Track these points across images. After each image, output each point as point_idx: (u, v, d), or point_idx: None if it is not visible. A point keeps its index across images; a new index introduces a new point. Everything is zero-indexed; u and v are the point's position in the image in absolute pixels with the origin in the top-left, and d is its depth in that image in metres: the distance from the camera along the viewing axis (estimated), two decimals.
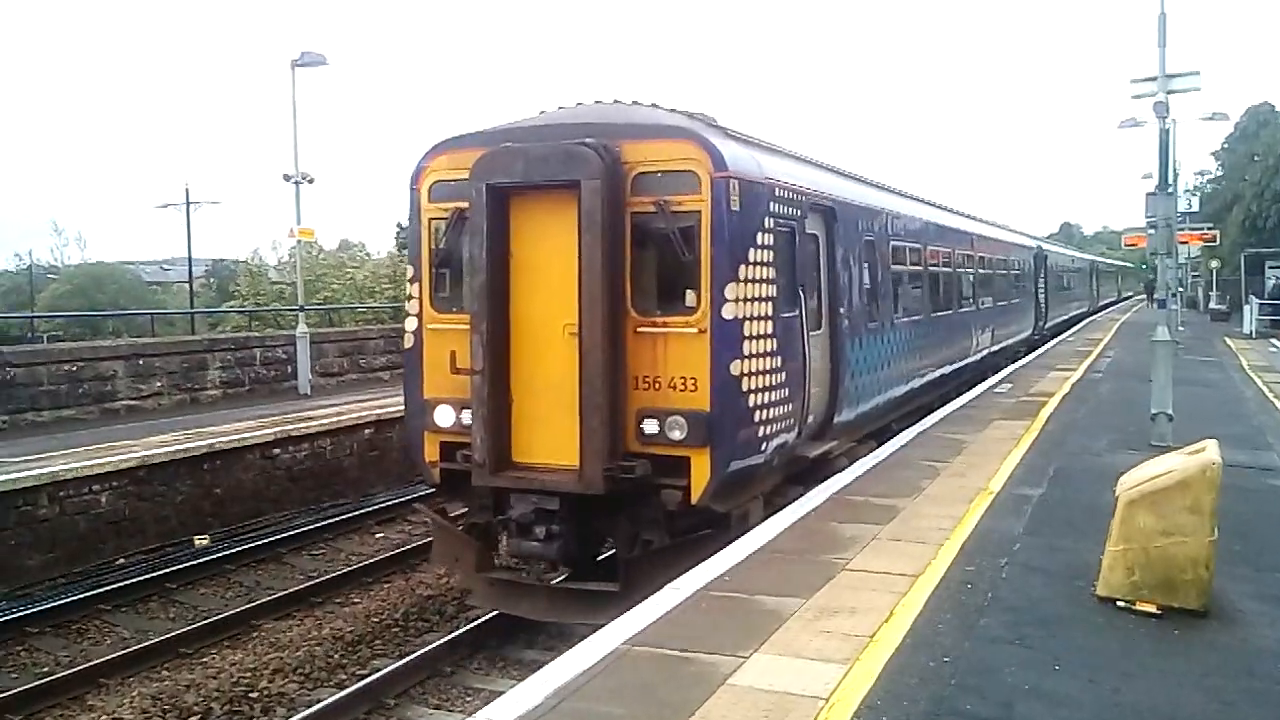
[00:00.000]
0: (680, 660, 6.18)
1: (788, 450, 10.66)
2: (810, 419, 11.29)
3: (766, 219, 10.08)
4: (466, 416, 9.78)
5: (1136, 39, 52.46)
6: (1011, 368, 25.16)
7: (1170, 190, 17.24)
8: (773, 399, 10.01)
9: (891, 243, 15.27)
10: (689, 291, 9.48)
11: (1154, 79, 15.25)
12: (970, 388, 20.48)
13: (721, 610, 7.11)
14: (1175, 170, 31.48)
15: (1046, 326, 35.81)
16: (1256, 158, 58.74)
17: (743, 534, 9.18)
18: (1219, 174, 71.59)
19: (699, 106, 10.69)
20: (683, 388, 9.33)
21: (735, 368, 9.32)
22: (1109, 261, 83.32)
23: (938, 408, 17.46)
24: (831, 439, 12.09)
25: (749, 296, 9.56)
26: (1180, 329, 30.47)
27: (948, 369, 19.31)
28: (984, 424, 15.60)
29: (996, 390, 20.36)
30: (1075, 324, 45.32)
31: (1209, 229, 49.43)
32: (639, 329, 9.44)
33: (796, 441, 10.87)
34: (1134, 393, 17.95)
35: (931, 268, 18.15)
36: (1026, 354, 29.33)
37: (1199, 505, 7.00)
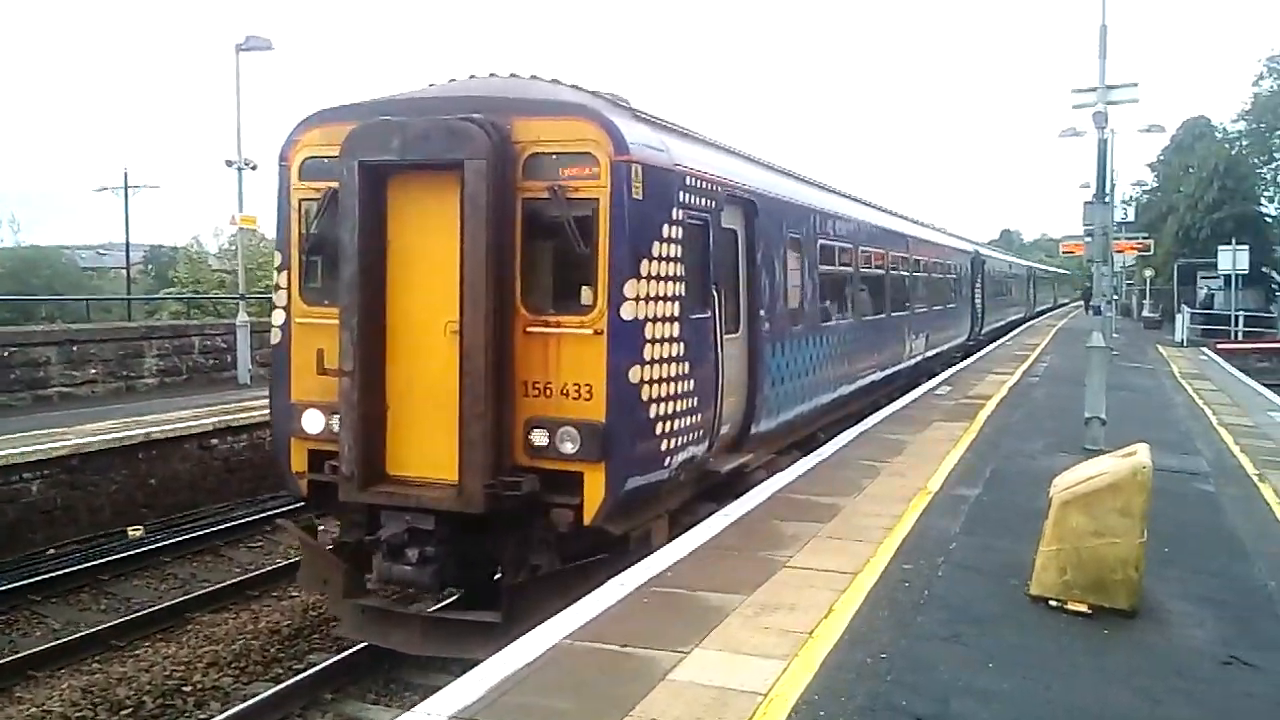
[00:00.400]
0: (621, 655, 6.20)
1: (696, 464, 9.91)
2: (724, 429, 10.58)
3: (675, 210, 9.28)
4: (337, 423, 8.79)
5: (1078, 49, 53.68)
6: (950, 371, 25.53)
7: (1107, 200, 17.57)
8: (679, 409, 9.20)
9: (820, 242, 14.55)
10: (585, 288, 8.62)
11: (1094, 89, 15.59)
12: (904, 394, 20.24)
13: (663, 606, 7.14)
14: (1113, 180, 32.09)
15: (983, 332, 35.78)
16: (1191, 170, 60.20)
17: (644, 557, 8.43)
18: (1155, 185, 73.20)
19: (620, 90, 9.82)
20: (576, 395, 8.46)
21: (635, 374, 8.52)
22: (1046, 268, 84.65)
23: (869, 414, 17.14)
24: (748, 451, 11.45)
25: (653, 295, 8.75)
26: (1115, 336, 31.09)
27: (879, 375, 18.73)
28: (924, 425, 15.82)
29: (936, 392, 20.63)
30: (1012, 329, 45.85)
31: (1144, 238, 50.70)
32: (529, 329, 8.57)
33: (707, 455, 10.14)
34: (1068, 397, 18.28)
35: (864, 270, 17.59)
36: (962, 359, 29.43)
37: (1130, 507, 7.16)
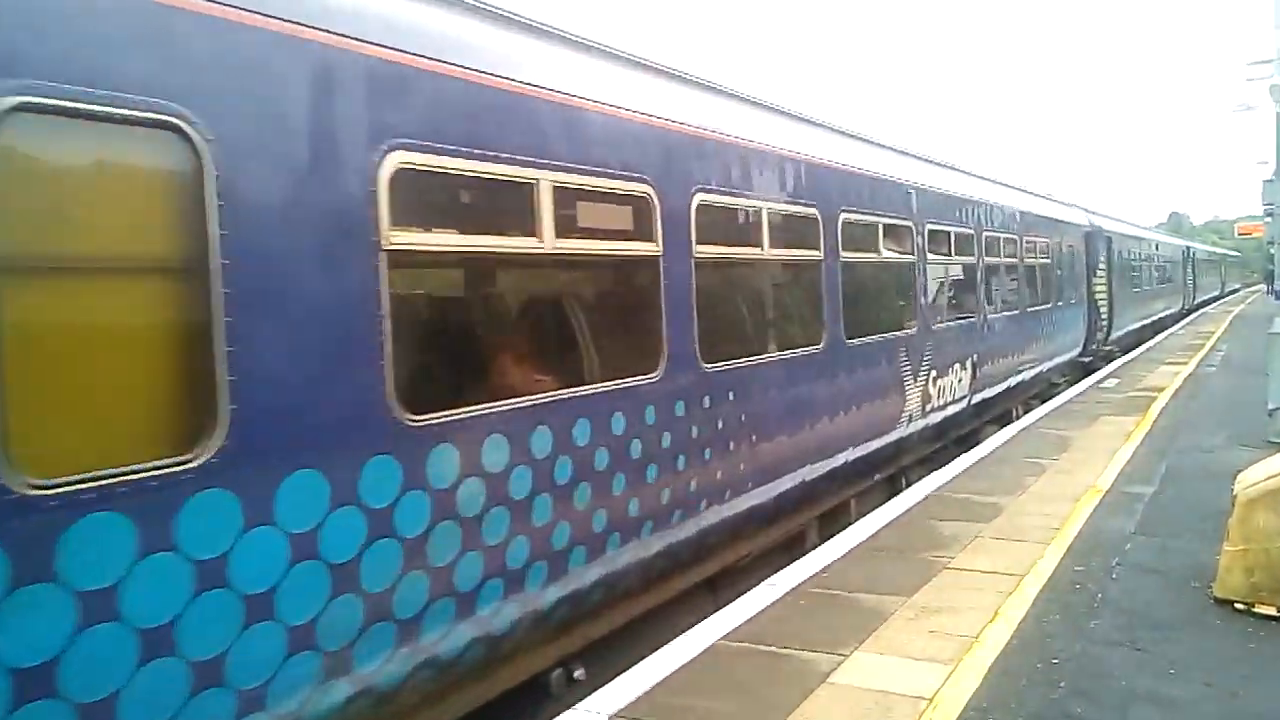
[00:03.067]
0: (779, 657, 6.12)
1: None
2: None
3: None
4: None
5: (1251, 21, 50.64)
6: (1118, 362, 24.36)
7: None
8: None
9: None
10: None
11: (1270, 61, 14.64)
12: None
13: (819, 607, 7.03)
14: None
15: (1111, 338, 26.87)
16: None
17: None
18: None
19: None
20: None
21: None
22: (1211, 249, 77.21)
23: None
24: None
25: None
26: None
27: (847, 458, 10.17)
28: (1091, 419, 15.17)
29: (1103, 385, 19.78)
30: (1161, 330, 36.44)
31: None
32: None
33: None
34: (1248, 388, 17.24)
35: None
36: (1069, 384, 20.89)
37: None
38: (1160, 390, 18.55)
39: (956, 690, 5.55)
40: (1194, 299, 53.46)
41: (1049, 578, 7.53)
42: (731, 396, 7.89)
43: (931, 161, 14.33)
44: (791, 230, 9.30)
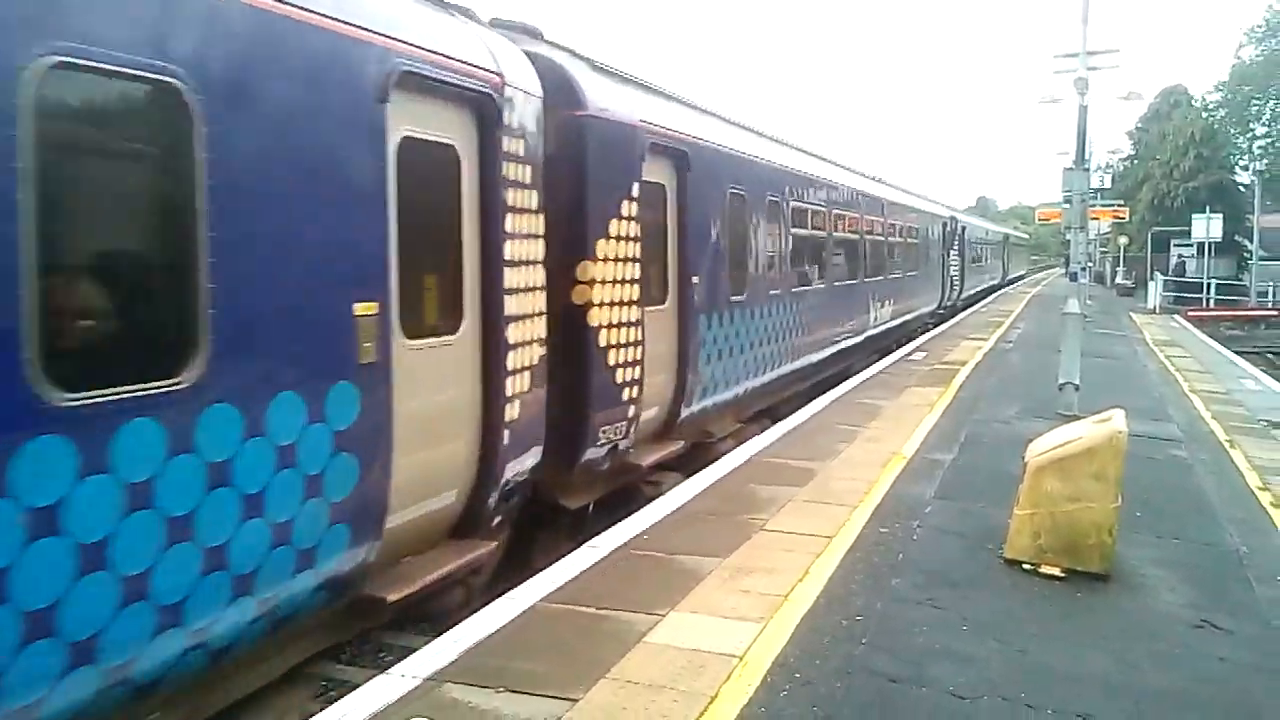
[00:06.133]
0: (597, 618, 6.17)
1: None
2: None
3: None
4: None
5: (1059, 17, 53.56)
6: (924, 337, 25.58)
7: (1086, 166, 17.58)
8: None
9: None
10: None
11: (1076, 55, 15.54)
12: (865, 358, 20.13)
13: (639, 568, 7.11)
14: (1090, 148, 32.27)
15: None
16: (1167, 138, 60.39)
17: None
18: (1131, 154, 73.44)
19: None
20: None
21: None
22: (1021, 235, 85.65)
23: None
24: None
25: None
26: (1088, 303, 31.24)
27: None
28: (899, 390, 15.87)
29: (911, 358, 20.70)
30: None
31: (1120, 205, 50.89)
32: None
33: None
34: (1042, 363, 18.35)
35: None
36: (935, 325, 29.17)
37: (1104, 472, 7.18)
38: (962, 364, 19.55)
39: (765, 647, 5.72)
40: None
41: (856, 539, 7.85)
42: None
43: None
44: None
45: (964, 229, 36.16)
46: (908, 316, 25.20)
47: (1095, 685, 5.45)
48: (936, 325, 29.29)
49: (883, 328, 21.67)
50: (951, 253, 33.14)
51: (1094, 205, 38.62)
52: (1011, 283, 64.18)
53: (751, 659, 5.57)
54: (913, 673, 5.50)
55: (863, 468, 10.30)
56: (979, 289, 44.63)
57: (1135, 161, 71.04)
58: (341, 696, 5.24)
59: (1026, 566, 7.27)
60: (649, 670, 5.41)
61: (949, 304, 33.26)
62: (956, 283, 34.49)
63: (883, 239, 21.82)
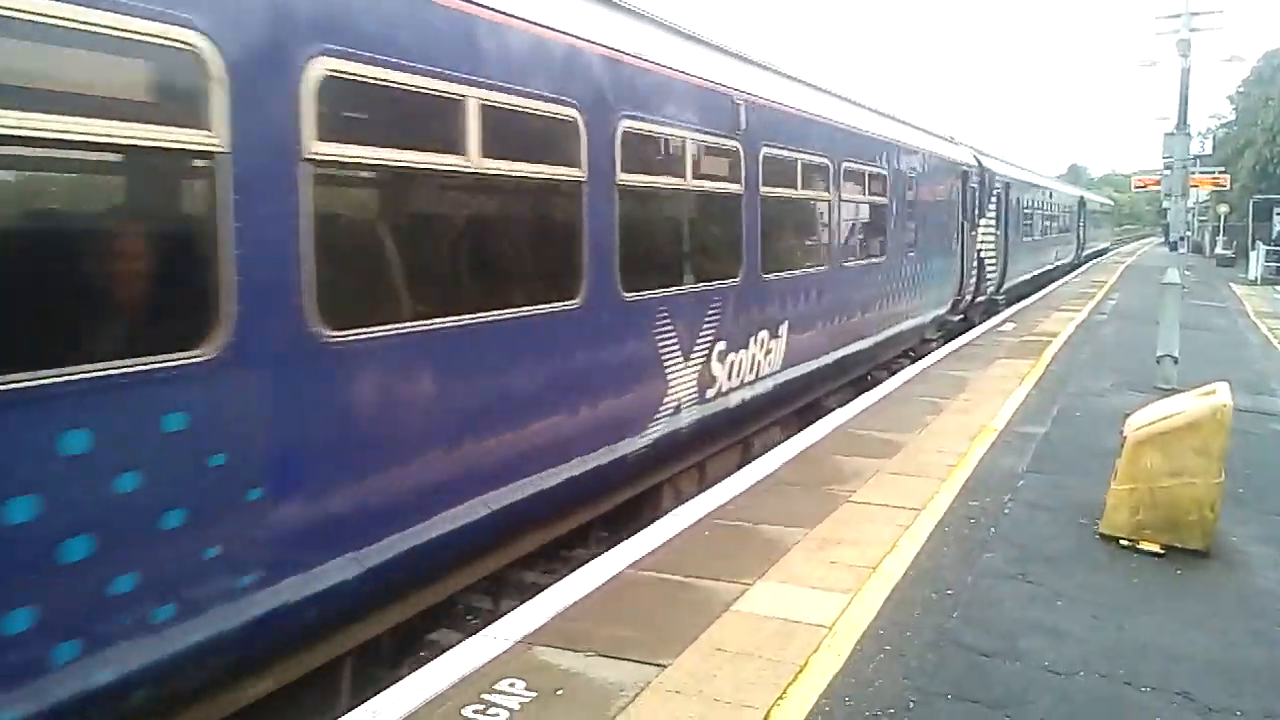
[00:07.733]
0: (684, 586, 6.19)
1: None
2: None
3: None
4: None
5: None
6: (1015, 308, 25.03)
7: (1186, 131, 17.00)
8: None
9: None
10: None
11: (1179, 15, 14.98)
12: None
13: (724, 538, 7.12)
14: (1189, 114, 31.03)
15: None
16: (1271, 102, 57.93)
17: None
18: (1232, 119, 70.68)
19: None
20: None
21: None
22: (1104, 200, 77.75)
23: None
24: None
25: None
26: (1185, 273, 30.24)
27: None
28: (987, 362, 15.59)
29: (1000, 329, 20.32)
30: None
31: (1220, 173, 49.06)
32: None
33: None
34: (1138, 335, 17.88)
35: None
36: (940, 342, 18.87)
37: (1208, 447, 6.98)
38: (1054, 336, 19.13)
39: (854, 619, 5.68)
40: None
41: (945, 512, 7.75)
42: None
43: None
44: None
45: (1007, 187, 25.17)
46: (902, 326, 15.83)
47: (1195, 663, 5.32)
48: (948, 340, 18.96)
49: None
50: (981, 222, 22.01)
51: (1194, 173, 37.31)
52: (1089, 260, 53.26)
53: (840, 629, 5.54)
54: (1005, 647, 5.42)
55: (951, 440, 10.15)
56: (1036, 272, 32.30)
57: (1236, 127, 68.36)
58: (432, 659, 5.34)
59: (1124, 542, 7.11)
60: (737, 638, 5.41)
61: (978, 299, 22.63)
62: (991, 268, 23.55)
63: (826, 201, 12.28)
